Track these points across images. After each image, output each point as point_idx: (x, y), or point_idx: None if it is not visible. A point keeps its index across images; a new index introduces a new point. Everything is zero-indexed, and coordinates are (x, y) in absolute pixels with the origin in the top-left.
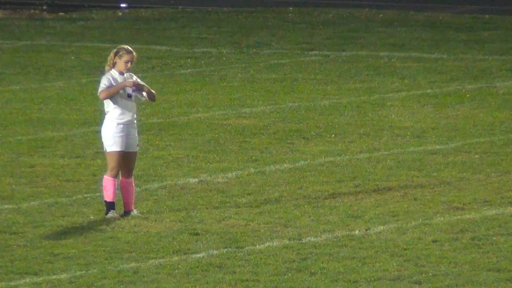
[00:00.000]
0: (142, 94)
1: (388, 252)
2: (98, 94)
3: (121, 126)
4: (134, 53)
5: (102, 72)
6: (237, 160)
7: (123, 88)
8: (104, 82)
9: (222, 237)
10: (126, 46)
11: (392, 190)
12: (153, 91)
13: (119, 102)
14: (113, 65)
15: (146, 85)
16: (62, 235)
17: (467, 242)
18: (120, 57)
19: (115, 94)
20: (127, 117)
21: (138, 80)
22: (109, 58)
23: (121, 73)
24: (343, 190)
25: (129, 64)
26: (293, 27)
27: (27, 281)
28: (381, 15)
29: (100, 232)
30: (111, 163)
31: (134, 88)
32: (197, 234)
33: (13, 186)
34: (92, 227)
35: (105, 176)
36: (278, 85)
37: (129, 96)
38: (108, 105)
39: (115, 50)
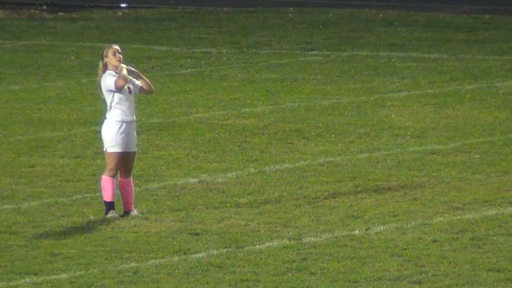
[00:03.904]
0: (137, 86)
1: (388, 252)
2: (114, 86)
3: (124, 126)
4: (116, 46)
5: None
6: (237, 160)
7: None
8: (110, 78)
9: (222, 237)
10: (106, 45)
11: (392, 190)
12: (146, 79)
13: (121, 100)
14: (105, 67)
15: (136, 70)
16: (62, 235)
17: (467, 242)
18: (107, 55)
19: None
20: (129, 116)
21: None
22: (98, 68)
23: (116, 71)
24: (343, 190)
25: (118, 54)
26: (293, 27)
27: (27, 281)
28: (381, 15)
29: (100, 232)
30: (111, 163)
31: (129, 71)
32: (197, 234)
33: (13, 186)
34: (92, 227)
35: (103, 176)
36: (278, 85)
37: (130, 92)
38: (110, 104)
39: (100, 59)
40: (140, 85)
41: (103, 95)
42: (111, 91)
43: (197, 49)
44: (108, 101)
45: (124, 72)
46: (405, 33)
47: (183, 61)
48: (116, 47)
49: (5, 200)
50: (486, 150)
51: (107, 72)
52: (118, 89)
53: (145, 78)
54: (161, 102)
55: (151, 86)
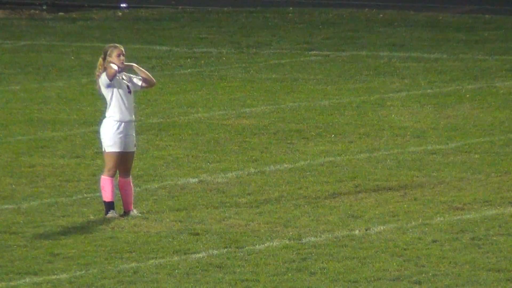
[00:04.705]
0: (138, 83)
1: (388, 252)
2: (107, 78)
3: (122, 125)
4: (121, 47)
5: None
6: (237, 160)
7: (121, 80)
8: (104, 75)
9: (222, 237)
10: (110, 44)
11: (392, 190)
12: (145, 71)
13: (120, 99)
14: (105, 67)
15: (134, 64)
16: (62, 235)
17: (467, 242)
18: (110, 55)
19: (116, 86)
20: (127, 116)
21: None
22: (98, 63)
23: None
24: (343, 190)
25: (121, 57)
26: (293, 27)
27: (27, 281)
28: (381, 15)
29: (100, 232)
30: (109, 163)
31: (121, 67)
32: (197, 234)
33: (13, 186)
34: (92, 227)
35: (102, 176)
36: (278, 85)
37: (129, 91)
38: (109, 103)
39: (102, 55)
40: (140, 83)
41: (101, 92)
42: (108, 86)
43: (197, 49)
44: (107, 99)
45: (113, 66)
46: (405, 33)
47: (183, 61)
48: (121, 48)
49: (5, 200)
50: (486, 150)
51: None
52: (111, 79)
53: (144, 70)
54: (161, 102)
55: (152, 78)
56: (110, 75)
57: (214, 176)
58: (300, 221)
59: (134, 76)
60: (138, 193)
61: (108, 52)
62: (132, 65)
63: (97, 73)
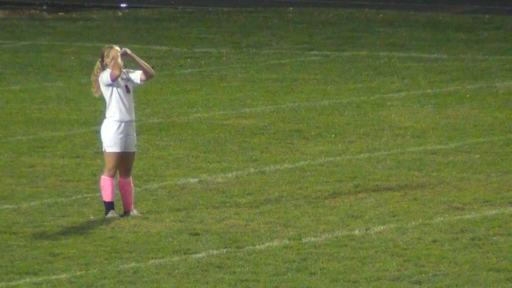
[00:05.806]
0: (137, 78)
1: (388, 252)
2: (110, 78)
3: (122, 125)
4: (117, 46)
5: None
6: (237, 160)
7: (120, 78)
8: (106, 73)
9: (222, 237)
10: (106, 45)
11: (392, 190)
12: (145, 62)
13: (120, 99)
14: (103, 68)
15: (127, 50)
16: (62, 235)
17: (467, 242)
18: (108, 56)
19: (115, 86)
20: (128, 116)
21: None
22: (95, 67)
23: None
24: (343, 190)
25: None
26: (293, 27)
27: (27, 281)
28: (381, 15)
29: (100, 232)
30: (110, 163)
31: (124, 53)
32: (197, 234)
33: (13, 186)
34: (92, 227)
35: (102, 176)
36: (278, 85)
37: (128, 91)
38: (108, 104)
39: (99, 58)
40: (139, 77)
41: (101, 92)
42: (109, 85)
43: (197, 49)
44: (106, 98)
45: (119, 60)
46: (405, 33)
47: (183, 61)
48: (117, 47)
49: (5, 200)
50: (486, 150)
51: (105, 71)
52: (114, 80)
53: (142, 61)
54: (161, 102)
55: (150, 69)
56: (114, 77)
57: (214, 176)
58: (300, 221)
59: (132, 70)
60: (138, 193)
61: (106, 53)
62: (125, 51)
63: (93, 77)
